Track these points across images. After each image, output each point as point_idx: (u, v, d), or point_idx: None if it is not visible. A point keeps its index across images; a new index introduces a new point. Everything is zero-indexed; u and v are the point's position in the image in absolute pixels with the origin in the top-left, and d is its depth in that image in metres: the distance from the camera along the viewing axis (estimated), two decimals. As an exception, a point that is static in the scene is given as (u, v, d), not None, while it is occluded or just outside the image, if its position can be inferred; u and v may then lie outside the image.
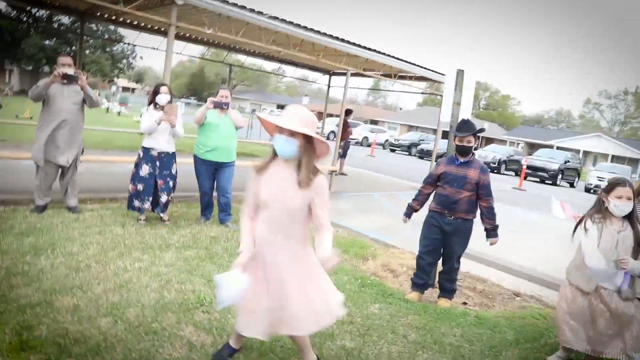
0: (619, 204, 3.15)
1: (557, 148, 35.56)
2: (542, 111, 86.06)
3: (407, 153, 28.47)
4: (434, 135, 21.84)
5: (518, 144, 45.21)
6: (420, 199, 4.53)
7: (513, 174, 24.01)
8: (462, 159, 4.25)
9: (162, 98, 5.41)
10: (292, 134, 2.43)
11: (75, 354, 2.73)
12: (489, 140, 45.77)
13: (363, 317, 3.81)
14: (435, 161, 5.42)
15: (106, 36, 31.75)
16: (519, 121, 72.63)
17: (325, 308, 2.63)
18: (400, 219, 4.66)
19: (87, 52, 36.26)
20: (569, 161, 23.53)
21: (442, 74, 9.39)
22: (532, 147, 39.21)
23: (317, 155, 2.54)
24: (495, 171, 23.67)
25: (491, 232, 4.28)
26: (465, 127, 4.23)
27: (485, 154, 24.93)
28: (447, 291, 4.49)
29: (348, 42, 8.76)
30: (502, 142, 44.79)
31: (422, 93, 13.45)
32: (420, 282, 4.48)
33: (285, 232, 2.56)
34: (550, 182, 22.24)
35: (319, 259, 2.48)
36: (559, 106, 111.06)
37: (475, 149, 4.98)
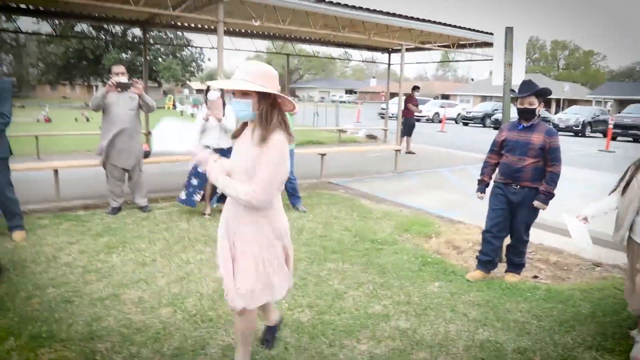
0: None
1: (653, 102, 32.22)
2: (633, 63, 77.86)
3: (481, 125, 27.19)
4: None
5: (606, 102, 41.62)
6: (487, 171, 4.22)
7: (601, 135, 22.13)
8: (525, 123, 3.90)
9: (212, 94, 5.57)
10: (244, 93, 2.22)
11: (137, 342, 2.90)
12: (572, 102, 42.53)
13: (421, 296, 3.70)
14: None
15: (174, 42, 33.31)
16: (605, 77, 66.77)
17: (262, 288, 2.38)
18: (468, 193, 4.43)
19: (160, 59, 38.33)
20: (665, 116, 21.22)
21: (491, 34, 8.77)
22: (622, 104, 35.83)
23: (286, 109, 2.33)
24: (580, 134, 22.01)
25: (542, 196, 3.85)
26: (525, 87, 3.89)
27: (567, 117, 23.21)
28: (515, 266, 4.22)
29: (398, 15, 8.47)
30: (587, 102, 41.45)
31: (488, 60, 12.71)
32: (485, 259, 4.19)
33: None
34: (645, 140, 20.26)
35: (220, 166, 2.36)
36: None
37: (548, 113, 4.51)
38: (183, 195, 5.75)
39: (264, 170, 2.19)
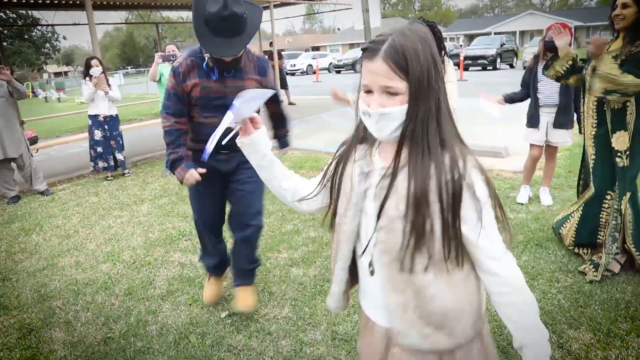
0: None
1: (495, 34, 36.23)
2: (477, 0, 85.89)
3: (353, 70, 28.72)
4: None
5: (458, 37, 45.72)
6: (182, 143, 2.56)
7: (457, 67, 24.68)
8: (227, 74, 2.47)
9: (95, 70, 5.98)
10: None
11: (89, 292, 3.30)
12: (431, 41, 45.99)
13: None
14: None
15: (19, 22, 29.91)
16: (456, 16, 72.77)
17: None
18: (349, 131, 4.90)
19: (4, 43, 34.20)
20: (504, 44, 24.24)
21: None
22: (472, 38, 39.79)
23: None
24: (439, 69, 24.27)
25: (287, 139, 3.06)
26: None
27: (426, 54, 25.36)
28: (245, 273, 3.01)
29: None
30: (444, 39, 45.09)
31: (349, 9, 13.65)
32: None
33: None
34: (491, 67, 23.05)
35: None
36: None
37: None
38: (100, 164, 6.28)
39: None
